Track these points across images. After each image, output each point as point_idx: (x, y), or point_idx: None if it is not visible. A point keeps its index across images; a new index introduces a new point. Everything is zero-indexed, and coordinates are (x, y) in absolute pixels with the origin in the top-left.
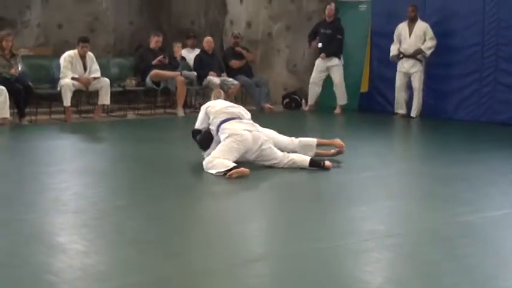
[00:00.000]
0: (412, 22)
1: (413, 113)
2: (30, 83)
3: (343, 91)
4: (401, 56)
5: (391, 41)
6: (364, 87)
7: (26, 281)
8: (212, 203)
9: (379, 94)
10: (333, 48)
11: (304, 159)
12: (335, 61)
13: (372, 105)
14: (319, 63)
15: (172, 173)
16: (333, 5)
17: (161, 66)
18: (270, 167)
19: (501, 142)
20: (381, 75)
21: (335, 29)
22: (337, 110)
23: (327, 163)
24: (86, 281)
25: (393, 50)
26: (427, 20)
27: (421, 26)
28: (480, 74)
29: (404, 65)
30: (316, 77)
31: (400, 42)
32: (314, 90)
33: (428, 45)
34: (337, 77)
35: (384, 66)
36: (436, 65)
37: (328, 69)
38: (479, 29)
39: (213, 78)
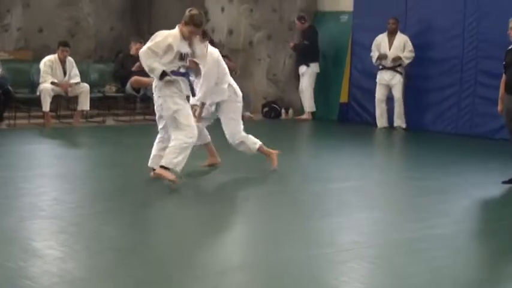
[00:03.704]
0: (391, 35)
1: (399, 123)
2: (9, 87)
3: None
4: (381, 67)
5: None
6: (344, 98)
7: (2, 285)
8: (190, 210)
9: (359, 105)
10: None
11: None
12: (303, 68)
13: (351, 116)
14: None
15: (151, 179)
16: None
17: (141, 72)
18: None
19: (480, 155)
20: (361, 87)
21: (305, 36)
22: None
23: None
24: (63, 287)
25: (374, 55)
26: (407, 32)
27: (401, 38)
28: (459, 87)
29: (384, 77)
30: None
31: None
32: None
33: (407, 55)
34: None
35: (364, 78)
36: (415, 78)
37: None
38: (459, 42)
39: None
